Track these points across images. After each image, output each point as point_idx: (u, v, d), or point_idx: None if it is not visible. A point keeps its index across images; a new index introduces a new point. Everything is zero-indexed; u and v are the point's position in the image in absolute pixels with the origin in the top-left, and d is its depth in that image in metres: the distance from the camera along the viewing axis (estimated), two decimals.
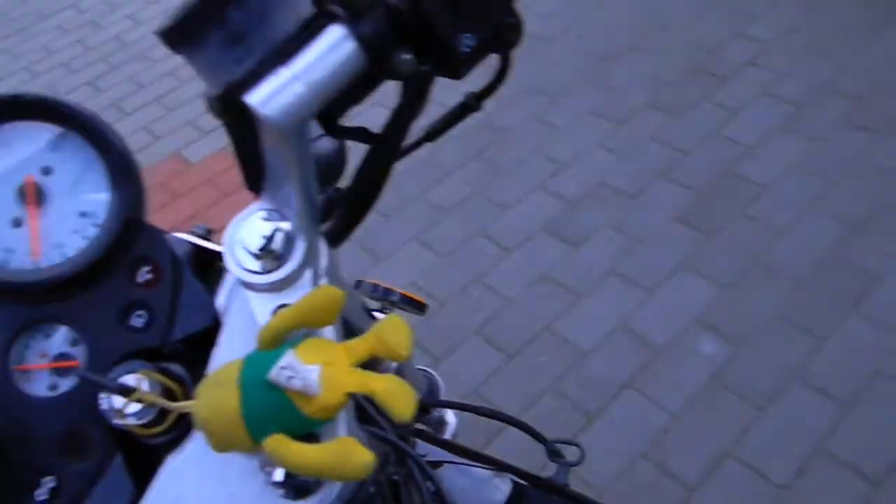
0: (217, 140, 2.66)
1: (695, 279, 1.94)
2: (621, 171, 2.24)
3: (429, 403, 0.80)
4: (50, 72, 3.27)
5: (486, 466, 0.93)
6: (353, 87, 0.42)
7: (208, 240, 0.67)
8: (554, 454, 0.94)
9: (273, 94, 0.40)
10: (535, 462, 0.87)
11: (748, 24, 2.64)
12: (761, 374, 1.73)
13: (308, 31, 0.41)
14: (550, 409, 1.73)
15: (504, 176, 2.31)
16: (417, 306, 0.76)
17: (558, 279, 2.00)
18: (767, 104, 2.35)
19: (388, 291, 0.74)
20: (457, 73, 0.42)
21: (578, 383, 1.77)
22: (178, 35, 0.40)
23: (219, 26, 0.40)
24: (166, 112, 2.88)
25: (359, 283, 0.77)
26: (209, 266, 0.63)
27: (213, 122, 2.44)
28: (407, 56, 0.40)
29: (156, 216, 2.07)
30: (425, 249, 2.15)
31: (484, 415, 0.90)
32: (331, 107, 0.43)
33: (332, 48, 0.40)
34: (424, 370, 0.96)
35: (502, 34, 0.41)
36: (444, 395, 1.02)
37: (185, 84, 2.96)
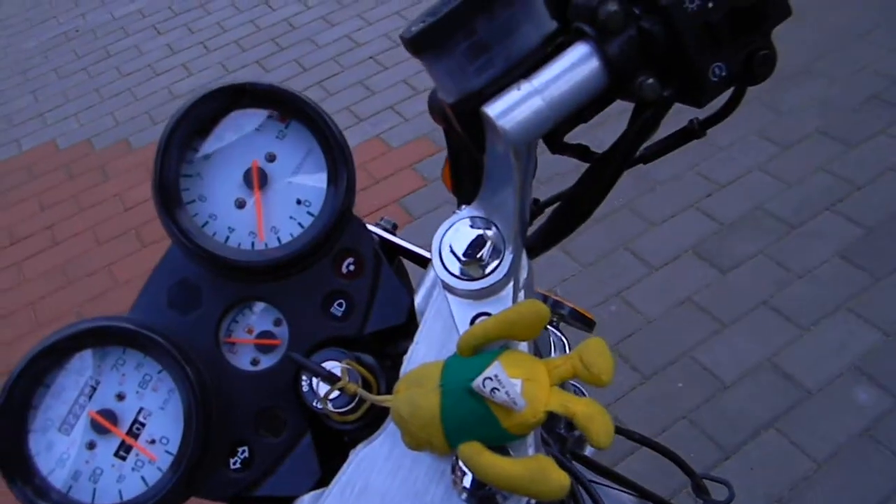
0: (416, 127, 2.72)
1: (856, 322, 1.82)
2: (783, 199, 2.13)
3: None
4: (223, 48, 3.47)
5: (625, 490, 0.91)
6: (587, 105, 0.42)
7: (393, 234, 0.68)
8: (700, 490, 0.90)
9: (512, 108, 0.40)
10: (663, 491, 0.85)
11: None
12: None
13: (552, 47, 0.41)
14: (683, 439, 1.67)
15: (656, 191, 2.25)
16: (587, 322, 0.75)
17: (704, 305, 1.93)
18: None
19: (557, 304, 0.73)
20: (700, 101, 0.40)
21: (716, 416, 1.70)
22: (427, 41, 0.41)
23: (466, 35, 0.41)
24: (327, 96, 2.99)
25: None
26: (392, 260, 0.64)
27: (414, 109, 2.48)
28: (651, 80, 0.39)
29: None
30: (566, 257, 2.13)
31: (635, 440, 0.88)
32: (562, 122, 0.42)
33: (576, 66, 0.40)
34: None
35: (755, 66, 0.39)
36: None
37: (387, 70, 3.03)
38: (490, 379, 0.41)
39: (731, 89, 0.45)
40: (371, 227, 0.65)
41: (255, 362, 0.52)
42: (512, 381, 0.41)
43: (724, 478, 0.84)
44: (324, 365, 0.48)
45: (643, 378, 1.80)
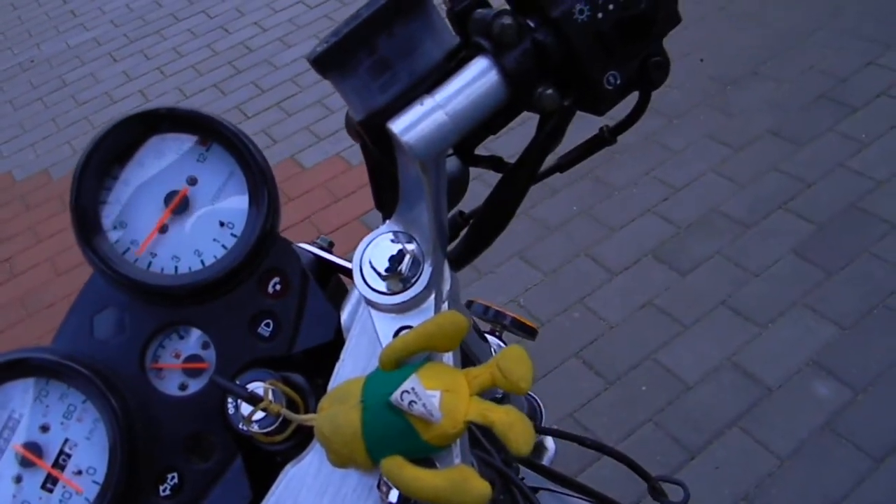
0: (330, 147, 2.74)
1: (812, 317, 1.85)
2: (737, 200, 2.16)
3: (536, 430, 0.79)
4: (180, 73, 3.45)
5: (584, 498, 0.91)
6: (493, 118, 0.43)
7: (330, 252, 0.68)
8: (657, 492, 0.91)
9: (415, 123, 0.41)
10: (630, 495, 0.85)
11: (882, 52, 2.50)
12: (880, 423, 1.63)
13: (453, 62, 0.41)
14: (649, 442, 1.68)
15: (614, 197, 2.27)
16: (528, 331, 0.75)
17: (664, 307, 1.95)
18: None
19: (499, 314, 0.74)
20: (599, 109, 0.41)
21: (680, 417, 1.71)
22: (330, 61, 0.42)
23: (368, 54, 0.41)
24: (286, 116, 2.98)
25: (470, 304, 0.78)
26: (328, 278, 0.64)
27: (328, 128, 2.51)
28: (550, 91, 0.40)
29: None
30: (528, 266, 2.14)
31: (588, 446, 0.88)
32: (468, 136, 0.43)
33: (476, 80, 0.40)
34: (528, 395, 0.95)
35: (649, 73, 0.40)
36: (545, 420, 1.01)
37: (304, 90, 3.06)
38: (407, 392, 0.41)
39: (637, 96, 0.46)
40: (305, 246, 0.66)
41: (183, 387, 0.52)
42: (429, 393, 0.41)
43: (679, 479, 0.85)
44: (248, 386, 0.48)
45: (607, 383, 1.81)
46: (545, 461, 1.01)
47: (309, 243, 0.68)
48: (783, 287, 1.92)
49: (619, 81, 0.40)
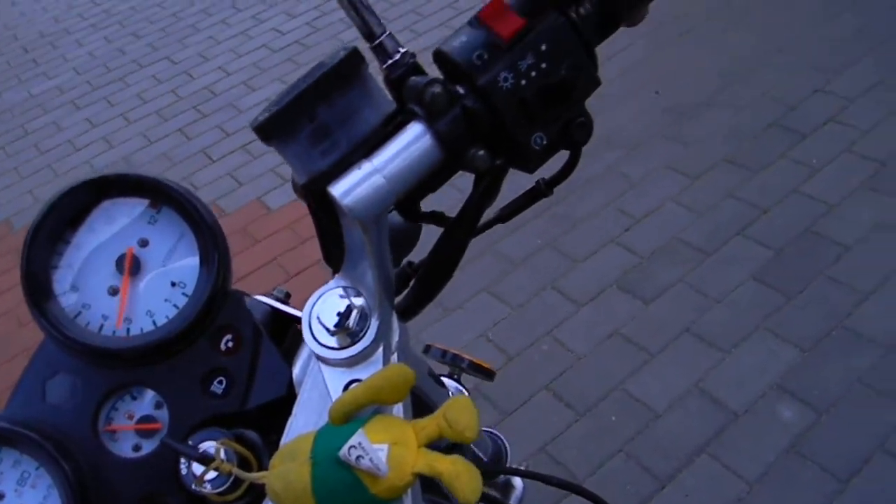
0: None
1: (774, 341, 1.88)
2: (697, 227, 2.21)
3: (497, 470, 0.80)
4: (144, 119, 3.45)
5: None
6: (430, 178, 0.44)
7: (286, 303, 0.69)
8: None
9: (354, 186, 0.42)
10: None
11: (830, 79, 2.58)
12: (844, 443, 1.66)
13: (390, 127, 0.43)
14: (620, 472, 1.69)
15: (576, 229, 2.31)
16: (485, 373, 0.77)
17: (630, 336, 1.97)
18: (850, 161, 2.28)
19: (456, 357, 0.75)
20: (529, 168, 0.43)
21: (650, 446, 1.73)
22: (272, 129, 0.43)
23: (309, 121, 0.43)
24: (251, 159, 2.99)
25: (428, 348, 0.79)
26: (286, 329, 0.65)
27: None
28: (481, 152, 0.42)
29: (237, 258, 2.13)
30: (496, 301, 2.16)
31: (555, 485, 0.89)
32: (409, 194, 0.45)
33: (411, 144, 0.42)
34: (492, 432, 0.96)
35: (572, 133, 0.43)
36: (511, 457, 1.02)
37: None
38: (354, 447, 0.42)
39: (571, 154, 0.48)
40: (261, 298, 0.67)
41: (136, 448, 0.52)
42: (376, 447, 0.43)
43: None
44: (200, 445, 0.48)
45: (577, 415, 1.83)
46: (512, 501, 1.02)
47: (265, 295, 0.69)
48: (744, 312, 1.96)
49: (544, 142, 0.42)
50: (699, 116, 2.58)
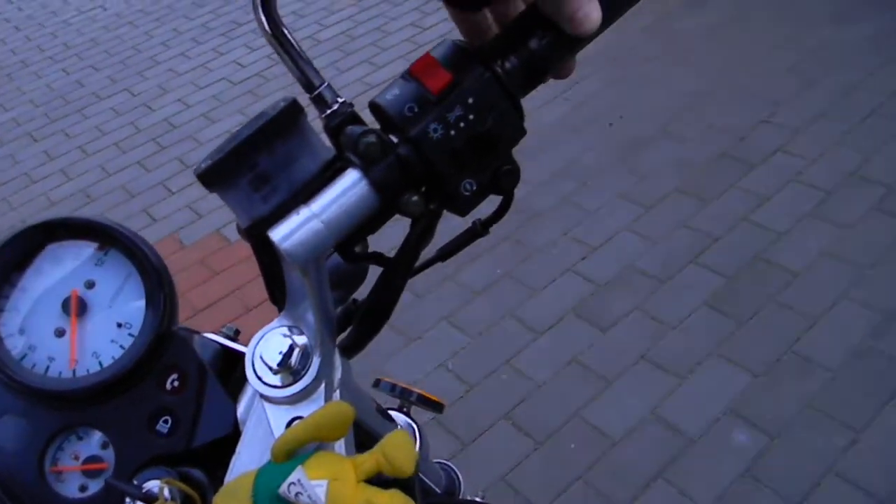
0: (210, 224, 2.76)
1: (727, 367, 1.93)
2: (651, 256, 2.26)
3: (447, 502, 0.82)
4: (102, 151, 3.43)
5: None
6: (368, 221, 0.46)
7: (236, 340, 0.71)
8: None
9: (293, 231, 0.44)
10: None
11: (775, 111, 2.68)
12: (796, 467, 1.70)
13: (328, 174, 0.45)
14: (579, 500, 1.71)
15: (534, 258, 2.34)
16: (434, 406, 0.78)
17: (588, 364, 2.00)
18: (797, 190, 2.36)
19: (405, 391, 0.77)
20: (461, 212, 0.45)
21: (608, 473, 1.75)
22: (214, 177, 0.45)
23: (249, 169, 0.45)
24: (169, 195, 3.00)
25: (377, 382, 0.80)
26: (236, 366, 0.66)
27: (209, 206, 2.52)
28: (415, 198, 0.44)
29: (196, 290, 2.13)
30: (455, 330, 2.18)
31: None
32: (347, 238, 0.47)
33: (348, 190, 0.44)
34: (445, 464, 0.97)
35: (500, 180, 0.45)
36: (471, 487, 1.03)
37: (189, 169, 3.07)
38: (294, 484, 0.43)
39: (503, 198, 0.51)
40: (210, 336, 0.68)
41: (83, 489, 0.53)
42: (314, 483, 0.44)
43: None
44: (145, 484, 0.49)
45: (537, 443, 1.84)
46: None
47: (215, 332, 0.70)
48: (698, 338, 2.00)
49: (474, 188, 0.45)
50: (651, 148, 2.65)
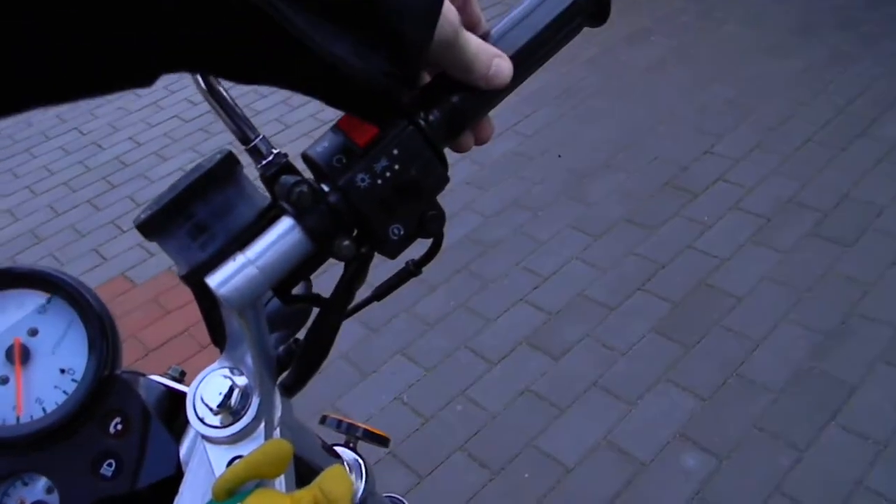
0: (161, 262, 2.75)
1: (676, 391, 1.98)
2: (601, 284, 2.31)
3: None
4: (51, 191, 3.39)
5: None
6: (302, 266, 0.49)
7: (181, 381, 0.72)
8: None
9: (230, 277, 0.46)
10: None
11: (716, 142, 2.78)
12: (744, 488, 1.74)
13: (263, 222, 0.48)
14: None
15: (488, 289, 2.38)
16: (380, 440, 0.80)
17: (541, 393, 2.04)
18: (738, 218, 2.44)
19: (351, 427, 0.78)
20: (390, 255, 0.48)
21: (563, 501, 1.77)
22: (153, 227, 0.47)
23: (186, 220, 0.47)
24: (119, 233, 2.98)
25: (324, 419, 0.82)
26: (181, 408, 0.68)
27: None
28: (346, 242, 0.47)
29: (148, 329, 2.12)
30: (410, 363, 2.19)
31: None
32: (283, 281, 0.49)
33: (283, 237, 0.47)
34: (395, 497, 0.99)
35: (427, 224, 0.48)
36: None
37: (139, 207, 3.05)
38: None
39: (433, 240, 0.54)
40: (155, 378, 0.69)
41: None
42: None
43: None
44: None
45: (492, 474, 1.86)
46: None
47: (161, 375, 0.71)
48: (647, 364, 2.05)
49: (402, 233, 0.48)
50: (599, 179, 2.72)
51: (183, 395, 0.69)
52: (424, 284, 2.40)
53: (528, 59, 0.49)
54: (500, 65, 0.45)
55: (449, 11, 0.41)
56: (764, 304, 2.15)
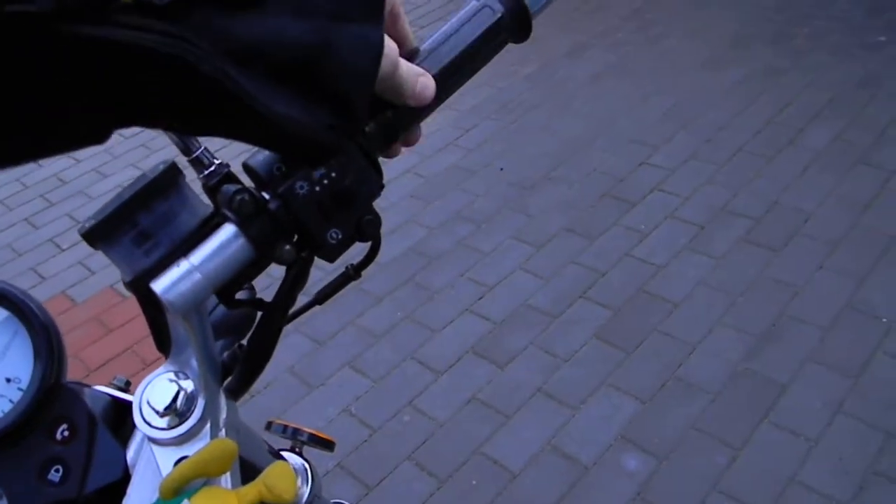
0: (103, 280, 2.71)
1: (617, 395, 2.03)
2: (544, 293, 2.36)
3: None
4: None
5: None
6: (245, 270, 0.51)
7: (126, 391, 0.73)
8: None
9: (175, 283, 0.48)
10: None
11: (652, 153, 2.87)
12: (683, 487, 1.80)
13: (206, 229, 0.50)
14: None
15: (433, 300, 2.41)
16: (325, 444, 0.82)
17: (487, 400, 2.07)
18: (673, 226, 2.53)
19: (296, 432, 0.80)
20: (330, 258, 0.51)
21: None
22: (97, 235, 0.49)
23: (131, 227, 0.49)
24: (59, 252, 2.94)
25: (269, 425, 0.84)
26: (127, 417, 0.69)
27: (101, 262, 2.48)
28: (287, 247, 0.50)
29: (90, 348, 2.08)
30: (358, 375, 2.20)
31: None
32: (226, 286, 0.51)
33: (226, 244, 0.49)
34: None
35: (363, 229, 0.51)
36: None
37: (78, 225, 3.02)
38: None
39: (371, 244, 0.57)
40: (100, 388, 0.70)
41: None
42: None
43: None
44: None
45: (440, 482, 1.88)
46: None
47: (106, 385, 0.72)
48: (589, 369, 2.11)
49: (340, 237, 0.50)
50: (540, 190, 2.79)
51: (128, 404, 0.70)
52: (370, 296, 2.42)
53: (456, 72, 0.52)
54: (425, 84, 0.48)
55: (391, 51, 0.43)
56: (699, 309, 2.23)
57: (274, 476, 0.50)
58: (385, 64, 0.43)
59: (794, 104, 3.04)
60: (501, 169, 2.92)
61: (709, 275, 2.33)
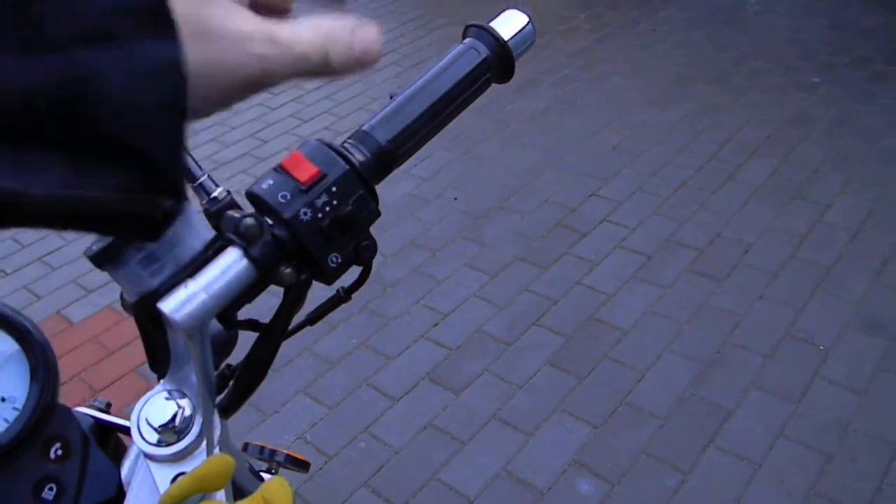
0: (99, 300, 2.67)
1: (570, 421, 2.08)
2: (498, 320, 2.41)
3: None
4: None
5: None
6: (246, 292, 0.54)
7: (108, 412, 0.74)
8: None
9: (182, 304, 0.50)
10: None
11: (600, 186, 2.97)
12: None
13: (211, 252, 0.52)
14: None
15: (389, 327, 2.43)
16: (301, 465, 0.84)
17: (443, 427, 2.09)
18: (622, 256, 2.61)
19: (273, 452, 0.82)
20: (328, 281, 0.54)
21: None
22: (105, 258, 0.51)
23: (138, 251, 0.51)
24: (50, 271, 2.86)
25: (246, 446, 0.85)
26: (108, 437, 0.70)
27: (96, 281, 2.44)
28: (289, 270, 0.52)
29: (94, 370, 2.04)
30: (313, 402, 2.20)
31: None
32: (227, 307, 0.53)
33: (230, 266, 0.51)
34: None
35: (361, 253, 0.54)
36: None
37: (70, 243, 2.97)
38: None
39: (363, 268, 0.60)
40: (83, 410, 0.71)
41: None
42: None
43: None
44: None
45: None
46: None
47: (87, 406, 0.73)
48: (543, 395, 2.15)
49: (339, 261, 0.53)
50: (493, 220, 2.85)
51: (111, 425, 0.71)
52: (325, 324, 2.42)
53: (444, 109, 0.56)
54: (364, 37, 0.37)
55: (271, 33, 0.34)
56: (647, 336, 2.30)
57: (272, 490, 0.52)
58: (273, 52, 0.34)
59: (734, 141, 3.19)
60: (455, 199, 2.97)
61: (656, 303, 2.41)
